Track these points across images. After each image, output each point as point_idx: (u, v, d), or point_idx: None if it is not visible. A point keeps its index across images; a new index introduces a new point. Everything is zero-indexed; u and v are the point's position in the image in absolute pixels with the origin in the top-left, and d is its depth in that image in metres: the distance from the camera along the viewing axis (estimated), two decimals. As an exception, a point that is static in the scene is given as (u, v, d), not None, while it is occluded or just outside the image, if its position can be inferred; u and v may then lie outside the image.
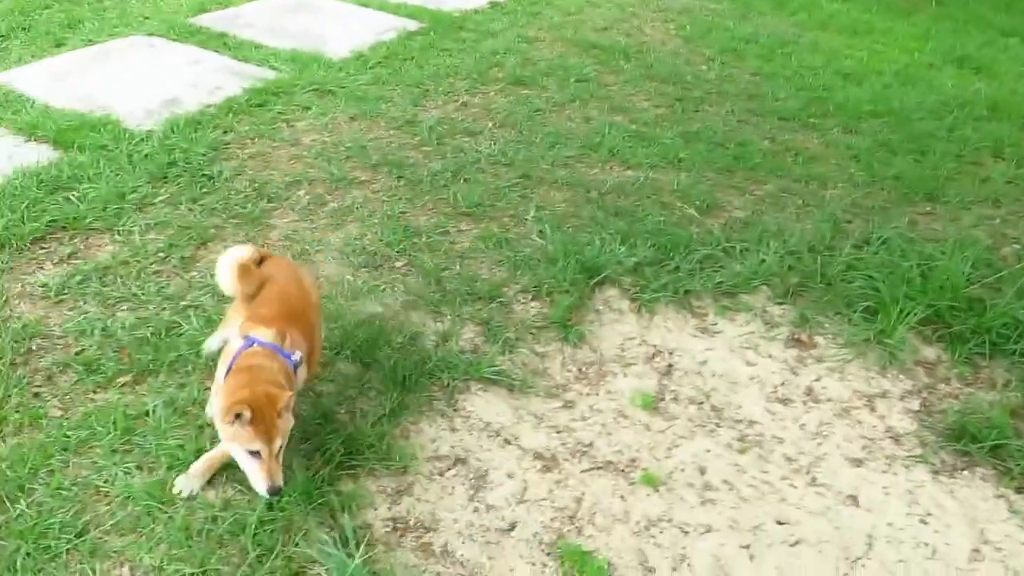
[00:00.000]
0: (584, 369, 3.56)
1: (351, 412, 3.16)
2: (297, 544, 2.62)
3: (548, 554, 2.76)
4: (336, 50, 6.29)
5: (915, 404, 3.54)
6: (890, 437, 3.37)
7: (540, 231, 4.30)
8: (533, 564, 2.72)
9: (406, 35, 6.80)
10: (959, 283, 3.99)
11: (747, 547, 2.85)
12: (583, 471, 3.08)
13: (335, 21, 6.99)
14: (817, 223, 4.61)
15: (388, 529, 2.76)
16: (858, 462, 3.24)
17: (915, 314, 3.81)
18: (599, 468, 3.11)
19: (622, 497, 3.00)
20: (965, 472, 3.23)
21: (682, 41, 7.55)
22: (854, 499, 3.08)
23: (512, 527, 2.84)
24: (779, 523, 2.95)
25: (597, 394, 3.45)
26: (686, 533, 2.89)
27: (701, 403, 3.45)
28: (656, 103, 6.10)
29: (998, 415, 3.40)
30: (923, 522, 3.01)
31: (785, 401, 3.50)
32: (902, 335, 3.76)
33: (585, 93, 6.09)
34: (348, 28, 6.81)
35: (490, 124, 5.45)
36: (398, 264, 3.98)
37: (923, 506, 3.07)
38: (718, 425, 3.36)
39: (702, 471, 3.14)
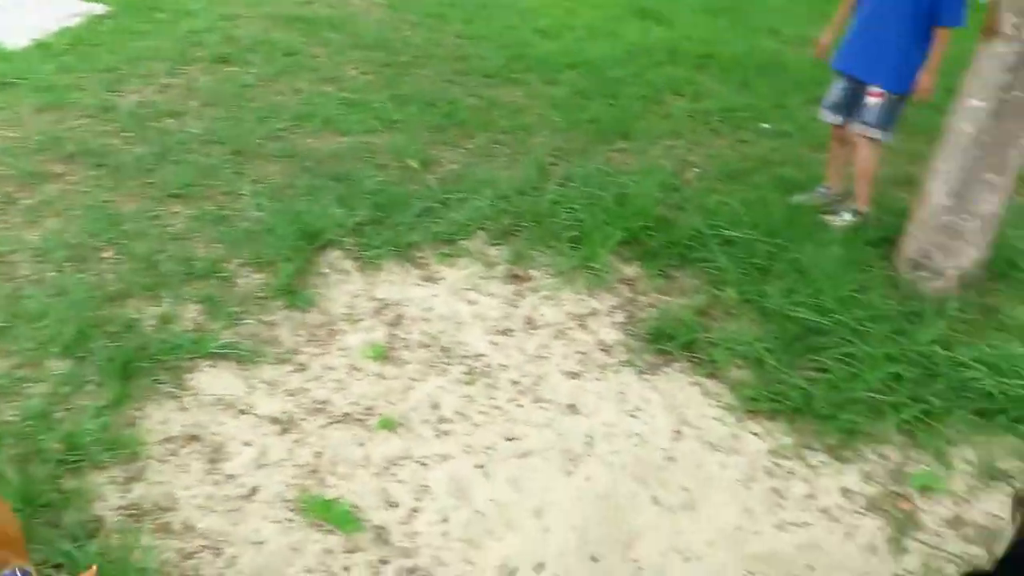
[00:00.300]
0: (314, 332, 3.63)
1: (68, 409, 3.04)
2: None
3: (292, 510, 2.83)
4: (14, 40, 5.84)
5: (620, 317, 3.91)
6: (601, 349, 3.71)
7: (257, 204, 4.28)
8: (278, 522, 2.77)
9: (93, 19, 6.45)
10: (650, 207, 4.43)
11: (481, 466, 3.06)
12: (321, 427, 3.17)
13: (9, 10, 6.48)
14: (525, 168, 4.92)
15: (122, 517, 2.71)
16: (575, 375, 3.55)
17: (614, 238, 4.20)
18: (337, 422, 3.21)
19: (361, 444, 3.11)
20: (665, 369, 3.64)
21: (387, 9, 7.68)
22: (573, 408, 3.39)
23: (253, 492, 2.87)
24: (509, 440, 3.20)
25: (329, 353, 3.53)
26: (425, 465, 3.06)
27: (430, 346, 3.63)
28: (365, 71, 6.19)
29: (688, 316, 3.84)
30: (632, 416, 3.37)
31: (507, 332, 3.76)
32: (605, 258, 4.13)
33: (294, 66, 6.08)
34: (25, 16, 6.34)
35: (195, 104, 5.32)
36: (105, 255, 3.83)
37: (632, 403, 3.43)
38: (447, 364, 3.55)
39: (436, 407, 3.32)
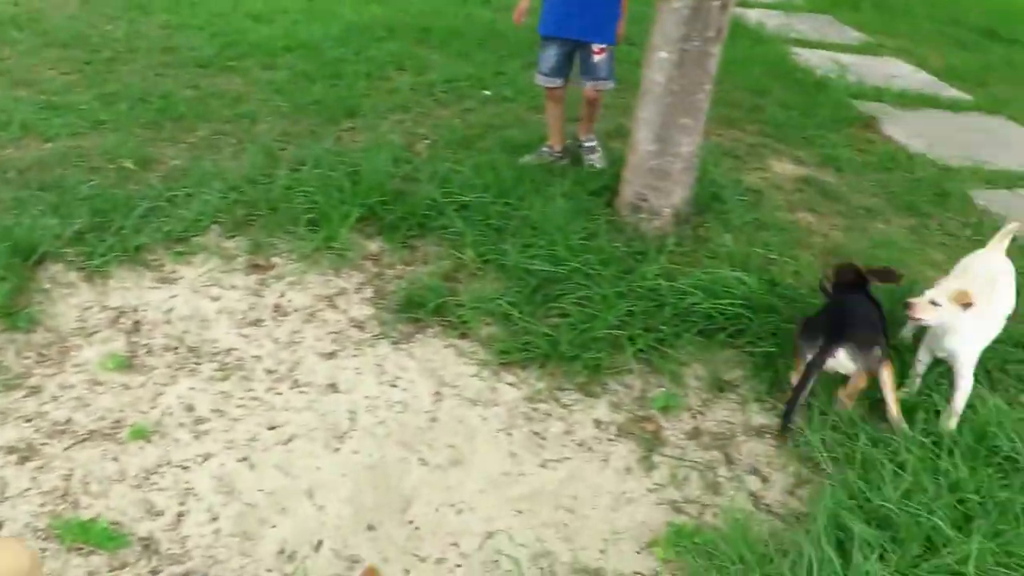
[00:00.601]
0: (44, 351, 3.39)
1: None
2: None
3: (46, 538, 2.66)
4: None
5: (369, 293, 3.95)
6: (354, 326, 3.75)
7: (-43, 224, 3.90)
8: (32, 552, 2.60)
9: None
10: (384, 181, 4.49)
11: (246, 459, 3.02)
12: (66, 449, 2.98)
13: None
14: (253, 157, 4.81)
15: None
16: (331, 355, 3.57)
17: (352, 216, 4.22)
18: (83, 440, 3.03)
19: (114, 459, 2.97)
20: (418, 336, 3.73)
21: (80, 3, 7.17)
22: (333, 387, 3.40)
23: (-2, 527, 2.67)
24: (271, 428, 3.17)
25: (64, 371, 3.32)
26: (186, 468, 2.97)
27: (176, 348, 3.50)
28: (64, 70, 5.78)
29: (435, 283, 3.95)
30: (392, 386, 3.44)
31: (256, 323, 3.70)
32: (345, 237, 4.15)
33: (-23, 72, 5.55)
34: None
35: None
36: None
37: (390, 374, 3.50)
38: (197, 363, 3.44)
39: (190, 409, 3.22)
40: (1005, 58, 9.52)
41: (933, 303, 3.31)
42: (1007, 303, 3.60)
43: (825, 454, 3.22)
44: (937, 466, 3.11)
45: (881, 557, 2.75)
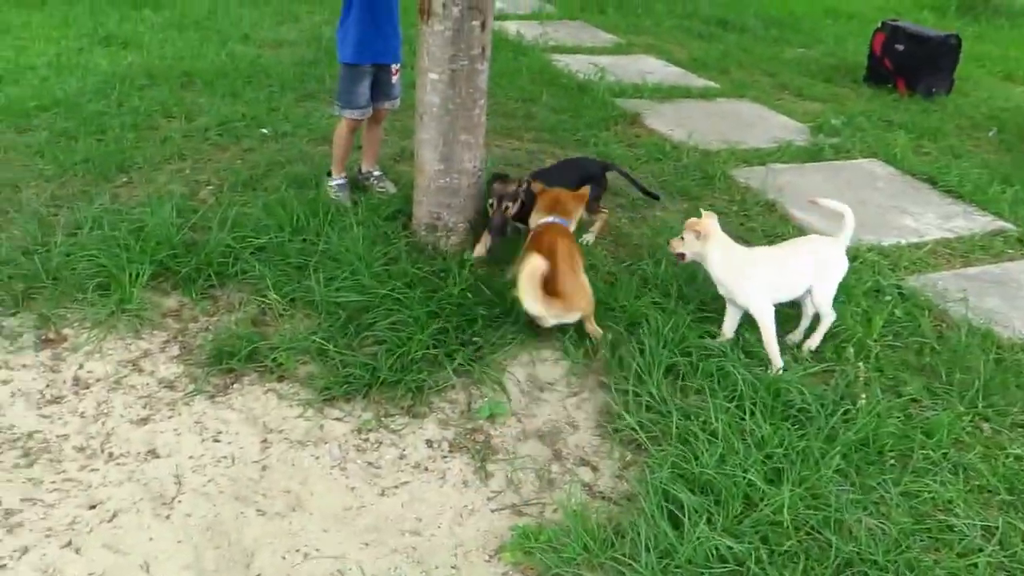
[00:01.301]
0: None
1: None
2: None
3: None
4: None
5: (176, 350, 3.83)
6: (165, 387, 3.61)
7: None
8: None
9: None
10: (171, 234, 4.35)
11: (68, 544, 2.85)
12: None
13: None
14: (22, 226, 4.52)
15: None
16: (144, 420, 3.43)
17: (144, 274, 4.06)
18: None
19: (-83, 572, 2.73)
20: (235, 386, 3.65)
21: None
22: (153, 452, 3.28)
23: None
24: (92, 507, 3.01)
25: None
26: (3, 567, 2.77)
27: (-31, 441, 3.25)
28: None
29: (243, 330, 3.88)
30: (216, 441, 3.35)
31: (57, 400, 3.49)
32: (140, 297, 3.99)
33: None
34: None
35: None
36: None
37: (212, 429, 3.41)
38: (-3, 453, 3.22)
39: (-3, 503, 3.01)
40: (739, 45, 10.44)
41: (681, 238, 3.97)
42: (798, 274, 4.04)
43: (644, 435, 3.45)
44: (743, 427, 3.41)
45: (708, 520, 3.00)
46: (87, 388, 3.57)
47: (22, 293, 3.99)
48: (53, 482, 3.11)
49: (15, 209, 4.77)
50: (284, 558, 2.89)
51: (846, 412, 3.60)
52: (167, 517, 2.99)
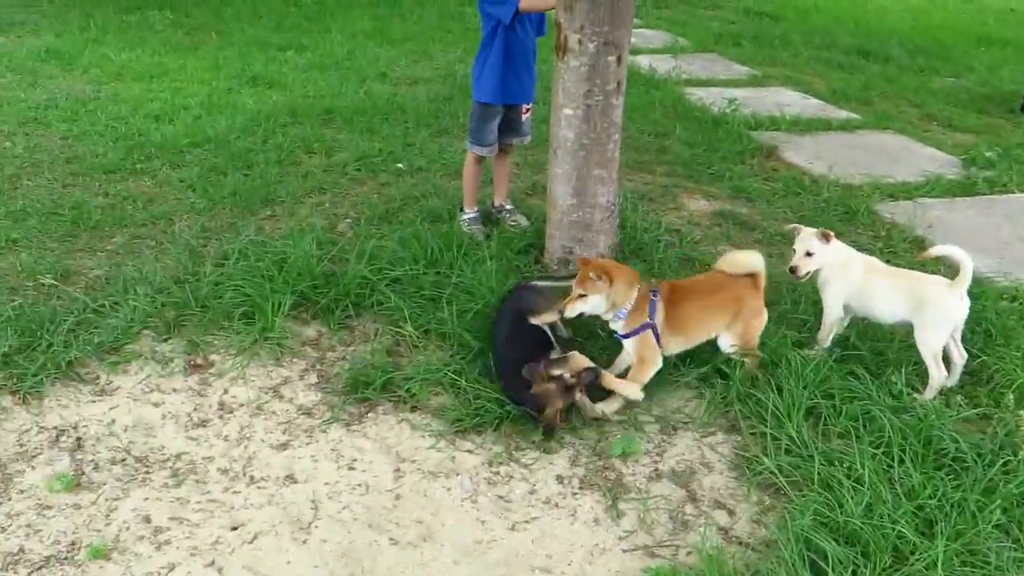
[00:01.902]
0: (-16, 482, 3.27)
1: None
2: None
3: None
4: None
5: (314, 378, 3.93)
6: (303, 413, 3.71)
7: None
8: None
9: None
10: (312, 265, 4.49)
11: (212, 564, 2.94)
12: (22, 580, 2.87)
13: None
14: (175, 256, 4.76)
15: None
16: (284, 446, 3.52)
17: (285, 304, 4.20)
18: (40, 568, 2.92)
19: (74, 584, 2.87)
20: (370, 415, 3.72)
21: (-29, 123, 7.03)
22: (291, 477, 3.36)
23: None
24: (233, 529, 3.10)
25: (9, 499, 3.19)
26: (152, 582, 2.88)
27: (124, 460, 3.41)
28: (-35, 192, 5.64)
29: (378, 360, 3.95)
30: (351, 468, 3.41)
31: (203, 423, 3.63)
32: (281, 326, 4.12)
33: None
34: None
35: None
36: None
37: (347, 457, 3.47)
38: (148, 472, 3.36)
39: (148, 520, 3.13)
40: (882, 75, 10.09)
41: (808, 253, 3.91)
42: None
43: (783, 479, 3.31)
44: (892, 476, 3.22)
45: (854, 573, 2.84)
46: (231, 412, 3.70)
47: (174, 320, 4.19)
48: (199, 502, 3.22)
49: (169, 240, 5.03)
50: (415, 589, 2.90)
51: (1006, 463, 3.35)
52: (304, 542, 3.05)
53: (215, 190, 5.74)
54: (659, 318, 3.76)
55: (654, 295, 3.78)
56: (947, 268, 4.50)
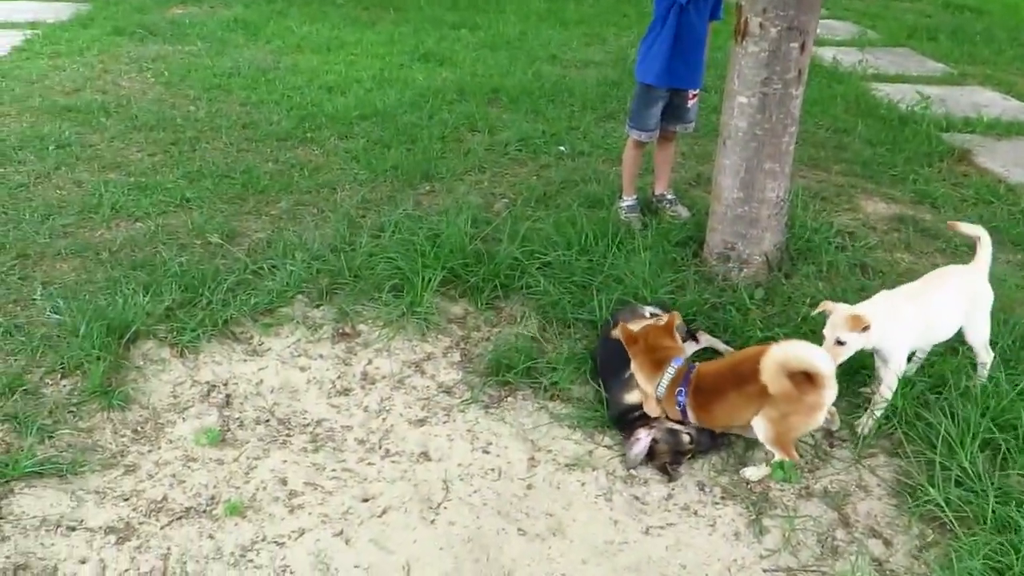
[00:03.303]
0: (139, 429, 3.40)
1: None
2: None
3: (146, 621, 2.62)
4: None
5: (456, 356, 3.89)
6: (443, 391, 3.67)
7: (53, 307, 3.98)
8: (131, 638, 2.56)
9: None
10: (465, 243, 4.45)
11: (340, 534, 2.94)
12: (163, 527, 2.95)
13: None
14: (334, 225, 4.83)
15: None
16: (421, 422, 3.49)
17: (435, 280, 4.17)
18: (180, 518, 3.00)
19: (211, 536, 2.93)
20: (509, 399, 3.64)
21: (163, 87, 7.41)
22: (425, 455, 3.32)
23: (97, 613, 2.64)
24: (364, 500, 3.09)
25: (159, 448, 3.31)
26: (281, 545, 2.90)
27: (267, 421, 3.47)
28: (150, 152, 5.94)
29: (523, 344, 3.87)
30: (485, 452, 3.34)
31: (345, 392, 3.65)
32: (429, 301, 4.10)
33: (70, 158, 5.73)
34: None
35: (-35, 214, 4.92)
36: None
37: (482, 439, 3.40)
38: (288, 435, 3.41)
39: (284, 482, 3.17)
40: (1098, 80, 9.13)
41: (839, 342, 3.24)
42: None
43: (951, 513, 3.00)
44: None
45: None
46: (373, 384, 3.70)
47: (326, 287, 4.25)
48: (333, 470, 3.24)
49: (330, 209, 5.12)
50: (540, 584, 2.80)
51: None
52: (432, 522, 3.00)
53: (378, 162, 5.81)
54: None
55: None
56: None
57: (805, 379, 3.03)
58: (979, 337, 3.55)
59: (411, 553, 2.87)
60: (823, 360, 3.04)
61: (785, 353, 3.03)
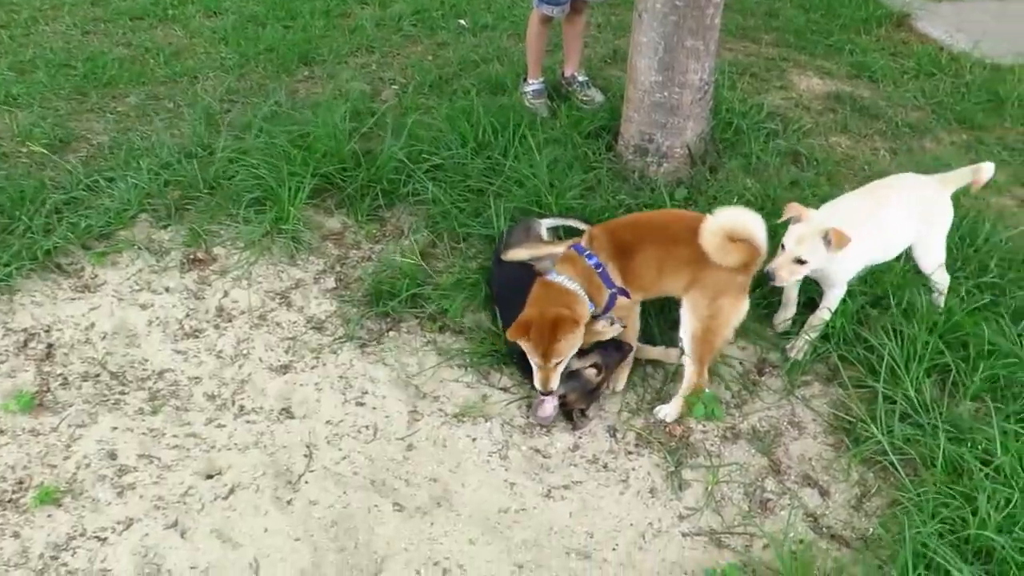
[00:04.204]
0: (-69, 394, 2.79)
1: None
2: None
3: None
4: None
5: (331, 282, 3.31)
6: (313, 328, 3.12)
7: None
8: None
9: None
10: (341, 144, 3.78)
11: (175, 525, 2.42)
12: (-47, 525, 2.40)
13: None
14: (191, 124, 4.12)
15: None
16: (285, 368, 2.95)
17: (304, 190, 3.53)
18: (-24, 511, 2.45)
19: (15, 534, 2.38)
20: (391, 332, 3.10)
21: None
22: (287, 411, 2.79)
23: None
24: (209, 477, 2.56)
25: (-44, 419, 2.72)
26: (103, 541, 2.38)
27: (97, 376, 2.88)
28: (-29, 38, 5.05)
29: (409, 265, 3.29)
30: (359, 404, 2.82)
31: (195, 334, 3.07)
32: (298, 216, 3.48)
33: None
34: None
35: None
36: None
37: (356, 388, 2.88)
38: (123, 393, 2.83)
39: (112, 456, 2.63)
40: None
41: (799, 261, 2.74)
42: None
43: (895, 456, 2.60)
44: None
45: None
46: (229, 322, 3.12)
47: (176, 203, 3.59)
48: (175, 436, 2.69)
49: (188, 103, 4.37)
50: (418, 573, 2.33)
51: None
52: (288, 503, 2.49)
53: (249, 44, 5.03)
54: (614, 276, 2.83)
55: (589, 258, 2.80)
56: None
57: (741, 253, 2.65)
58: (931, 260, 3.07)
59: (261, 547, 2.37)
60: (762, 234, 2.65)
61: (732, 219, 2.63)
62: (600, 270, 2.76)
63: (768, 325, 3.15)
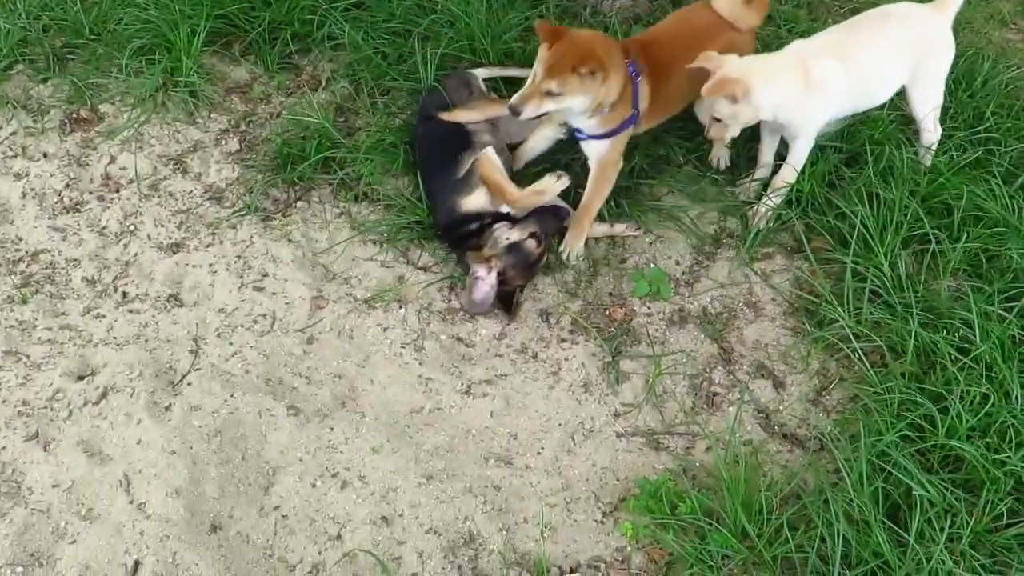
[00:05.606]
0: None
1: None
2: None
3: None
4: None
5: (234, 144, 2.91)
6: (211, 198, 2.74)
7: None
8: None
9: None
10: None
11: (35, 436, 2.14)
12: None
13: None
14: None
15: None
16: (175, 247, 2.60)
17: (200, 34, 3.03)
18: None
19: None
20: (300, 203, 2.74)
21: None
22: (176, 298, 2.47)
23: None
24: (80, 379, 2.26)
25: None
26: (-43, 454, 2.10)
27: (-39, 258, 2.53)
28: None
29: (322, 122, 2.85)
30: (258, 289, 2.49)
31: (76, 208, 2.70)
32: (194, 67, 3.01)
33: None
34: None
35: None
36: None
37: (256, 270, 2.53)
38: (-12, 277, 2.49)
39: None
40: None
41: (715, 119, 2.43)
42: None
43: (859, 343, 2.29)
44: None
45: (953, 523, 1.90)
46: (116, 193, 2.74)
47: (57, 52, 3.11)
48: (48, 328, 2.37)
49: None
50: (314, 486, 2.08)
51: None
52: (167, 409, 2.19)
53: None
54: (643, 104, 2.53)
55: (635, 74, 2.48)
56: None
57: None
58: (926, 105, 2.65)
59: (132, 462, 2.09)
60: None
61: None
62: (636, 80, 2.48)
63: (728, 186, 2.78)
